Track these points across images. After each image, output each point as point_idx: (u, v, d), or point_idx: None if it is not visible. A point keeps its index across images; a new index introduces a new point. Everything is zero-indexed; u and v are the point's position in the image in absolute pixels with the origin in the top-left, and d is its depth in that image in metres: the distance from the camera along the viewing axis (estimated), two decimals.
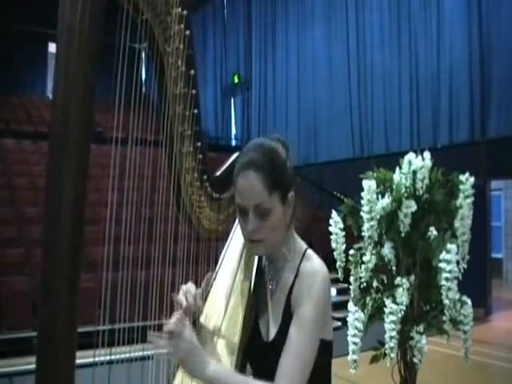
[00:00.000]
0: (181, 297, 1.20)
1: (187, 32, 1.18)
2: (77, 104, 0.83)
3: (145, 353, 1.17)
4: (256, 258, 1.33)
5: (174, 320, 1.03)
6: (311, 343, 1.09)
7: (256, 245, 1.16)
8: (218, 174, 1.42)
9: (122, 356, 1.15)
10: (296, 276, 1.17)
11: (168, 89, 1.21)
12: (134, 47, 1.10)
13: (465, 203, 1.99)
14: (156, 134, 1.23)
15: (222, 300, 1.31)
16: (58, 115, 0.83)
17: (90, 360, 1.04)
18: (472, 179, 2.02)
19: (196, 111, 1.26)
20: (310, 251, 1.22)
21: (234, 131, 14.59)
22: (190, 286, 1.23)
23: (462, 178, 2.02)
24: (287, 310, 1.15)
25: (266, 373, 1.10)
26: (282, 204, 1.15)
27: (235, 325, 1.22)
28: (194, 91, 1.24)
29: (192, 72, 1.22)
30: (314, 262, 1.18)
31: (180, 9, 1.15)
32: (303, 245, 1.24)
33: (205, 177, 1.33)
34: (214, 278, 1.37)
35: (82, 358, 0.90)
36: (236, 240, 1.45)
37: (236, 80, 14.06)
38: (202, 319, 1.26)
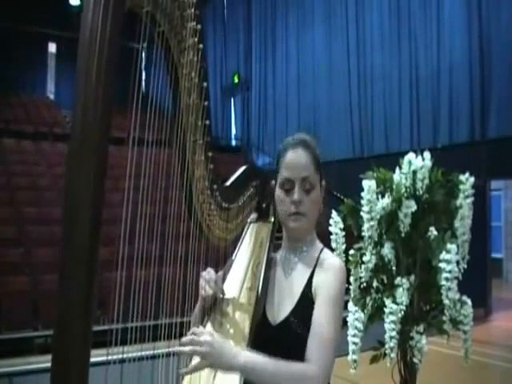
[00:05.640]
0: (204, 285, 1.28)
1: (200, 46, 1.25)
2: (96, 110, 0.87)
3: (155, 351, 1.22)
4: (263, 266, 1.36)
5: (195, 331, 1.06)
6: (337, 329, 1.16)
7: (299, 218, 1.25)
8: (227, 184, 1.46)
9: (134, 354, 1.17)
10: (316, 265, 1.26)
11: (182, 99, 1.26)
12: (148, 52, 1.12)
13: (465, 203, 1.99)
14: (170, 140, 1.29)
15: (229, 309, 1.33)
16: (79, 119, 0.87)
17: (103, 358, 1.05)
18: (472, 179, 2.02)
19: (208, 122, 1.32)
20: (326, 249, 1.33)
21: (233, 131, 14.59)
22: (211, 273, 1.30)
23: (462, 177, 2.02)
24: (306, 295, 1.23)
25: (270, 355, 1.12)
26: (320, 186, 1.28)
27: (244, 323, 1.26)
28: (206, 103, 1.30)
29: (204, 84, 1.29)
30: (335, 257, 1.32)
31: (194, 23, 1.22)
32: (320, 242, 1.35)
33: (215, 186, 1.38)
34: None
35: (94, 356, 0.91)
36: (245, 249, 1.49)
37: (236, 80, 14.05)
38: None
